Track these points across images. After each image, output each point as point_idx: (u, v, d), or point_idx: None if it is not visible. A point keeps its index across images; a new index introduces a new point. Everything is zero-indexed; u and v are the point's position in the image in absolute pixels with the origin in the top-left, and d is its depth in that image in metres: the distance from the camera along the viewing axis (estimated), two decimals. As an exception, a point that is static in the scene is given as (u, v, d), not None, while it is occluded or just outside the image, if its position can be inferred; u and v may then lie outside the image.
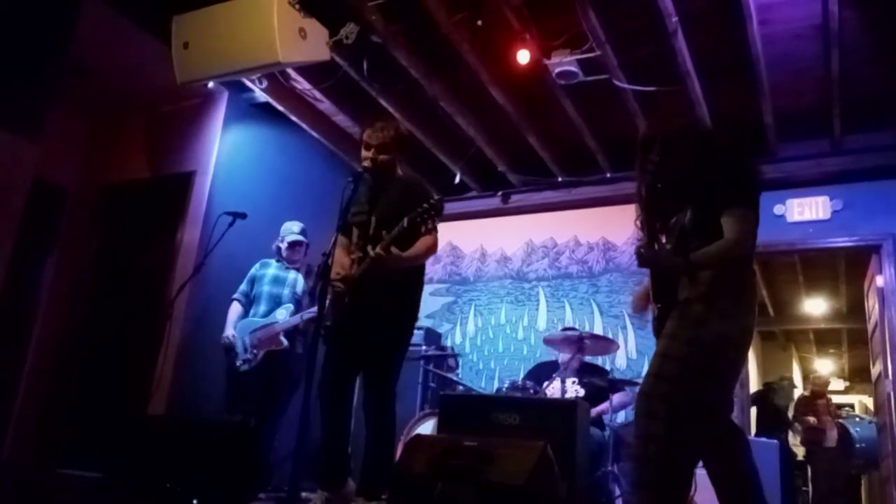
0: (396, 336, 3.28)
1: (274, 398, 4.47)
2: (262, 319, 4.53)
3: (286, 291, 4.66)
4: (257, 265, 4.77)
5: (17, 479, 4.70)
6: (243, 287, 4.72)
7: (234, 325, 4.56)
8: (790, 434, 7.68)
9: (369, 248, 3.08)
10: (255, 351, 4.44)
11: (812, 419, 7.23)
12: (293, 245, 4.72)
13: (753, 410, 7.52)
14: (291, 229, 4.75)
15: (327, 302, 3.04)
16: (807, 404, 7.48)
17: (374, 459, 3.15)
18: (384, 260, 3.05)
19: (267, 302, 4.60)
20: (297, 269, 4.76)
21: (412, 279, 3.34)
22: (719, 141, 2.71)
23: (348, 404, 3.28)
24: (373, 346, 3.18)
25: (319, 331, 2.98)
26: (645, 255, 2.53)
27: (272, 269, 4.73)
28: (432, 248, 3.28)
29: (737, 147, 2.74)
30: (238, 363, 4.43)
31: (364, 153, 3.32)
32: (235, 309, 4.64)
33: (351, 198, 3.25)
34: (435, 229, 3.23)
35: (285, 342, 4.47)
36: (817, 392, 7.58)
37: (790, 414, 7.75)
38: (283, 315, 4.52)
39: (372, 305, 3.15)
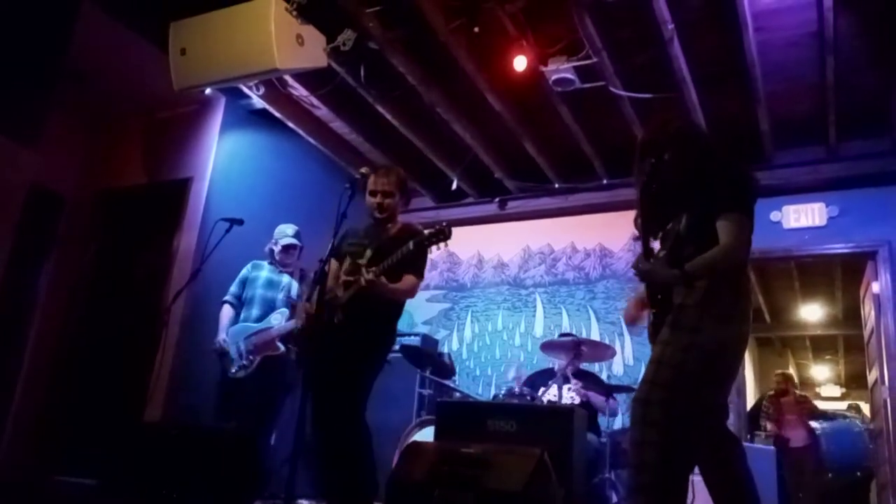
0: (369, 359, 3.33)
1: (270, 404, 4.43)
2: (256, 324, 4.48)
3: (280, 296, 4.60)
4: (249, 267, 4.70)
5: (14, 485, 4.68)
6: (234, 289, 4.64)
7: (227, 329, 4.50)
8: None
9: (363, 270, 3.20)
10: (251, 357, 4.38)
11: (770, 425, 7.00)
12: (287, 248, 4.67)
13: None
14: (286, 232, 4.71)
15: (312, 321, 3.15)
16: (771, 404, 7.27)
17: (349, 477, 3.17)
18: (374, 286, 3.17)
19: (260, 306, 4.54)
20: (291, 273, 4.71)
21: (390, 310, 3.45)
22: (715, 146, 2.72)
23: (337, 418, 3.27)
24: (346, 367, 3.23)
25: (302, 347, 3.04)
26: (642, 270, 2.53)
27: (265, 271, 4.67)
28: (413, 291, 3.43)
29: (733, 153, 2.75)
30: (233, 369, 4.38)
31: (370, 199, 3.47)
32: (227, 313, 4.57)
33: (350, 226, 3.40)
34: (422, 268, 3.41)
35: (282, 347, 4.43)
36: (780, 390, 7.39)
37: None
38: (278, 320, 4.47)
39: (352, 328, 3.25)
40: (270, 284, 4.62)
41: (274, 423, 4.45)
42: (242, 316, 4.54)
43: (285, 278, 4.68)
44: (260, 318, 4.50)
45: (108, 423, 4.60)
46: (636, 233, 2.71)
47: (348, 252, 3.46)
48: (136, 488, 3.18)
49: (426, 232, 3.22)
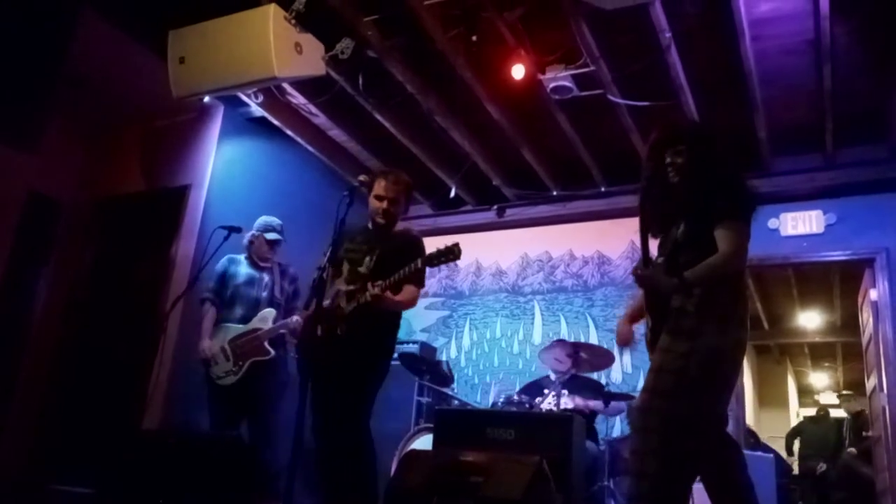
0: (373, 368, 3.33)
1: (267, 408, 4.23)
2: (241, 326, 4.24)
3: (265, 294, 4.36)
4: (225, 261, 4.42)
5: (10, 493, 4.66)
6: (214, 286, 4.37)
7: (210, 333, 4.26)
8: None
9: (370, 285, 3.15)
10: (239, 362, 4.16)
11: None
12: (272, 244, 4.45)
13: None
14: (272, 225, 4.49)
15: (312, 331, 3.12)
16: None
17: (356, 483, 3.16)
18: (380, 301, 3.15)
19: (243, 304, 4.29)
20: (270, 269, 4.47)
21: (392, 319, 3.44)
22: (726, 154, 2.73)
23: (340, 430, 3.27)
24: (353, 372, 3.22)
25: (301, 358, 3.00)
26: (642, 277, 2.53)
27: (244, 267, 4.42)
28: (414, 301, 3.40)
29: (730, 161, 2.76)
30: (220, 375, 4.17)
31: (376, 204, 3.41)
32: (211, 314, 4.31)
33: (344, 228, 3.29)
34: (423, 278, 3.40)
35: (271, 351, 4.21)
36: None
37: None
38: (266, 322, 4.25)
39: (355, 338, 3.21)
40: (252, 282, 4.36)
41: (276, 427, 4.25)
42: (224, 315, 4.30)
43: (266, 275, 4.43)
44: (244, 318, 4.26)
45: (106, 431, 4.58)
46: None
47: (347, 258, 3.40)
48: (134, 497, 3.16)
49: (436, 250, 3.18)
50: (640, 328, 2.79)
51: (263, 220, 4.54)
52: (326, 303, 3.29)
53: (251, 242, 4.47)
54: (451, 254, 3.15)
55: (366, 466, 3.20)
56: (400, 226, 3.61)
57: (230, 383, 4.17)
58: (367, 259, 3.34)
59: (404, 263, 3.22)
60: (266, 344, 4.21)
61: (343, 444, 3.19)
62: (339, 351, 3.20)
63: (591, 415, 4.69)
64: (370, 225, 3.49)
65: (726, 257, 2.40)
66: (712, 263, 2.39)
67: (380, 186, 3.42)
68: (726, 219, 2.45)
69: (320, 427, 3.24)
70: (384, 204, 3.40)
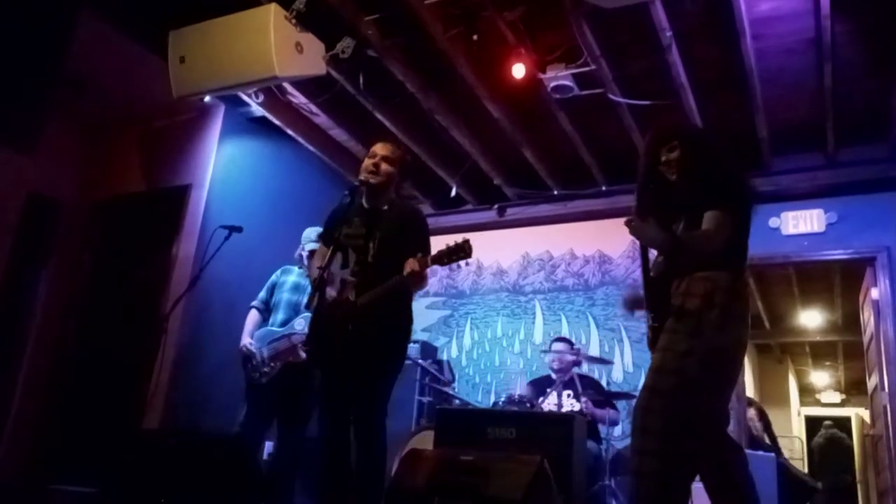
0: (391, 357, 3.23)
1: (298, 411, 4.24)
2: (279, 329, 4.31)
3: (306, 300, 4.36)
4: (279, 272, 4.55)
5: (9, 495, 4.66)
6: (263, 295, 4.51)
7: (251, 333, 4.38)
8: None
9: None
10: (272, 363, 4.22)
11: None
12: (313, 254, 4.43)
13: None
14: (310, 237, 4.49)
15: (321, 325, 3.04)
16: None
17: (364, 480, 3.09)
18: (420, 278, 3.04)
19: (285, 310, 4.38)
20: None
21: (405, 304, 3.32)
22: (722, 154, 2.74)
23: (348, 425, 3.24)
24: (367, 367, 3.13)
25: (313, 352, 2.93)
26: (635, 227, 2.53)
27: (293, 276, 4.50)
28: (426, 279, 3.28)
29: (731, 159, 2.76)
30: (255, 375, 4.23)
31: (366, 161, 3.28)
32: (252, 318, 4.43)
33: (339, 213, 3.26)
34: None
35: (303, 355, 4.19)
36: None
37: None
38: (301, 325, 4.28)
39: (369, 333, 3.11)
40: (297, 288, 4.45)
41: (305, 430, 4.25)
42: (269, 321, 4.41)
43: None
44: (285, 323, 4.34)
45: (107, 431, 4.58)
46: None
47: (350, 246, 3.25)
48: (134, 497, 3.16)
49: (445, 248, 3.07)
50: (641, 327, 2.78)
51: (304, 232, 4.55)
52: (332, 294, 3.19)
53: (300, 255, 4.52)
54: (462, 251, 3.03)
55: (376, 464, 3.11)
56: (395, 199, 3.43)
57: (263, 382, 4.22)
58: (371, 245, 3.22)
59: (408, 241, 3.14)
60: (299, 348, 4.24)
61: (357, 443, 3.11)
62: (353, 347, 3.09)
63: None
64: (364, 202, 3.30)
65: (707, 233, 2.44)
66: (697, 234, 2.45)
67: (374, 147, 3.31)
68: (711, 207, 2.47)
69: (331, 425, 3.16)
70: (375, 159, 3.24)
